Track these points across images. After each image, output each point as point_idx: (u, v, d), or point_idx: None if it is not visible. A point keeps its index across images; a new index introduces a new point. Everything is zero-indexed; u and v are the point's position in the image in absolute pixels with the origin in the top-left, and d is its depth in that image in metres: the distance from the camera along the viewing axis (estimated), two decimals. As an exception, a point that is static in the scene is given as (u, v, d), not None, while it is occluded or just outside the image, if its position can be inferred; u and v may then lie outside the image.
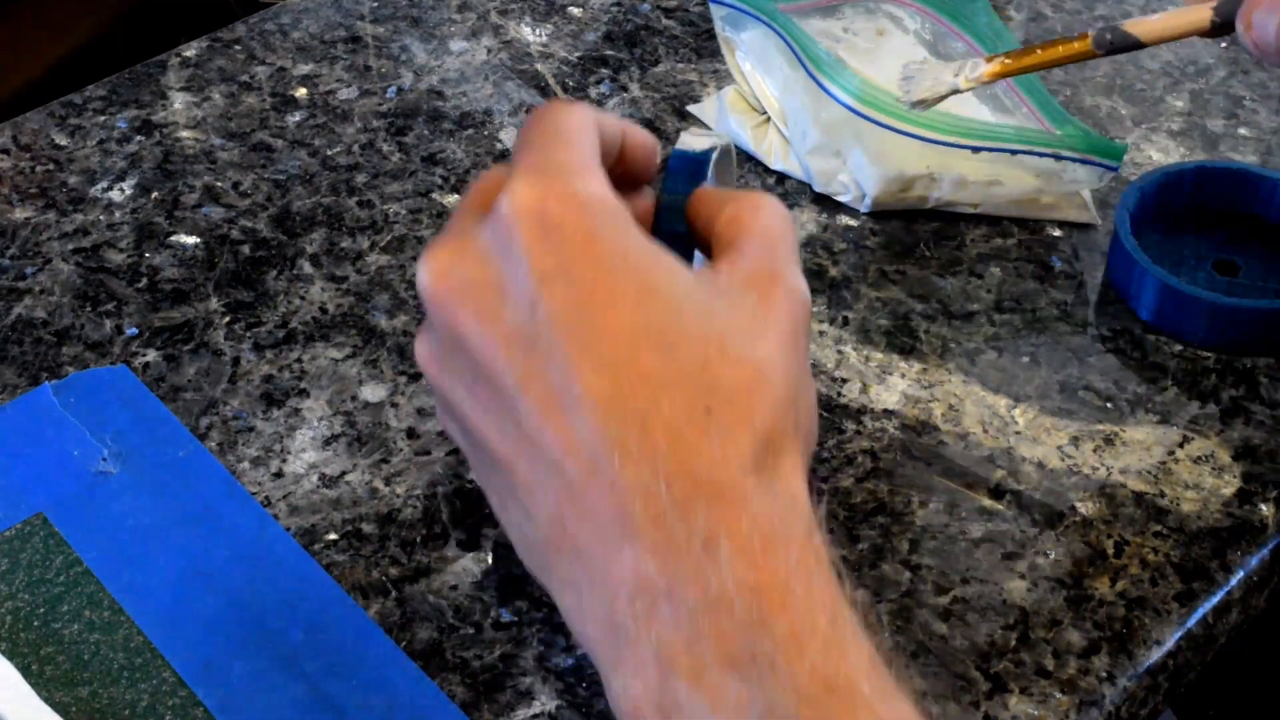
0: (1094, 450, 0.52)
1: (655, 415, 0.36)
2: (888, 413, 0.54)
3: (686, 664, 0.34)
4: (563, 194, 0.38)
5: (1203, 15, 0.50)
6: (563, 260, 0.37)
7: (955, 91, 0.56)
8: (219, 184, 0.65)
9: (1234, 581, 0.49)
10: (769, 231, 0.42)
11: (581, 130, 0.41)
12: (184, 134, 0.68)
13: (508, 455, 0.38)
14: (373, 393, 0.55)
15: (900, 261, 0.61)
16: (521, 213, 0.37)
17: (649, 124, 0.68)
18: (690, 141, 0.46)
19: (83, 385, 0.55)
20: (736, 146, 0.67)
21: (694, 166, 0.46)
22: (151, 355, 0.57)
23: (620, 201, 0.39)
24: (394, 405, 0.54)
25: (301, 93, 0.71)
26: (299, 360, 0.56)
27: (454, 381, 0.39)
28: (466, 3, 0.77)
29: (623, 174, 0.44)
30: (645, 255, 0.38)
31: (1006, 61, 0.55)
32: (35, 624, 0.47)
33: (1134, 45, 0.52)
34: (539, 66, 0.73)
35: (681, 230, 0.44)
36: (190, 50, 0.74)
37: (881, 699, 0.34)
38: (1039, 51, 0.54)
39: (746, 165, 0.66)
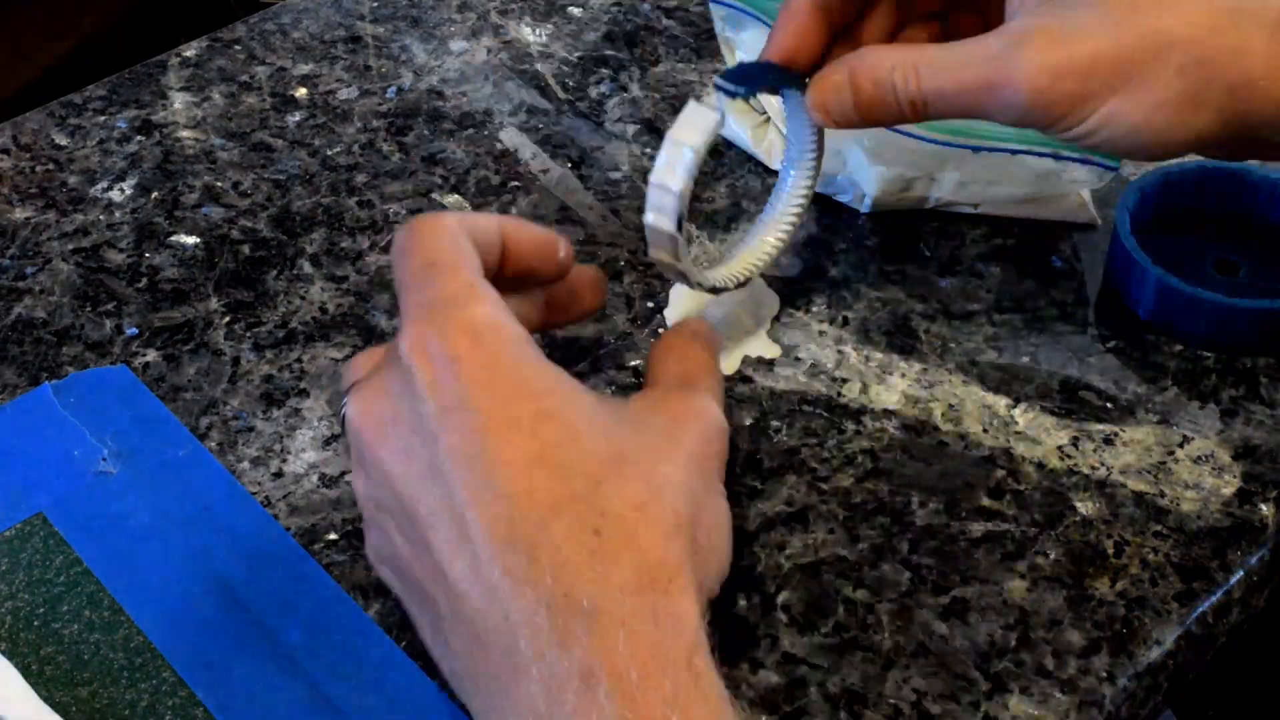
0: (1094, 450, 0.52)
1: (543, 541, 0.36)
2: (888, 413, 0.54)
3: None
4: (454, 327, 0.39)
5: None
6: (459, 394, 0.38)
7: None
8: (219, 184, 0.65)
9: (1234, 581, 0.49)
10: (689, 372, 0.45)
11: (455, 252, 0.42)
12: (184, 134, 0.68)
13: (429, 588, 0.39)
14: (373, 393, 0.55)
15: (900, 261, 0.61)
16: (416, 353, 0.39)
17: (649, 124, 0.68)
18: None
19: (83, 385, 0.55)
20: (736, 146, 0.67)
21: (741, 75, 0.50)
22: (151, 355, 0.57)
23: (512, 320, 0.40)
24: (394, 405, 0.54)
25: (301, 93, 0.71)
26: (299, 360, 0.56)
27: (384, 515, 0.41)
28: (466, 3, 0.77)
29: (515, 274, 0.46)
30: (543, 379, 0.39)
31: None
32: (35, 624, 0.47)
33: None
34: (539, 66, 0.73)
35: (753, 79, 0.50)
36: (190, 50, 0.74)
37: None
38: None
39: (746, 165, 0.66)
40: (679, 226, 0.48)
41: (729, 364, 0.56)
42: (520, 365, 0.39)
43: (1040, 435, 0.53)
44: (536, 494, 0.37)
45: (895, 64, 0.47)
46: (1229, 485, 0.51)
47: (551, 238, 0.47)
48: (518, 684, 0.36)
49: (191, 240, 0.62)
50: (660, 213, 0.48)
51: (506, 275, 0.46)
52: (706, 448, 0.41)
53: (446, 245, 0.42)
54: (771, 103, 0.66)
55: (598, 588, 0.36)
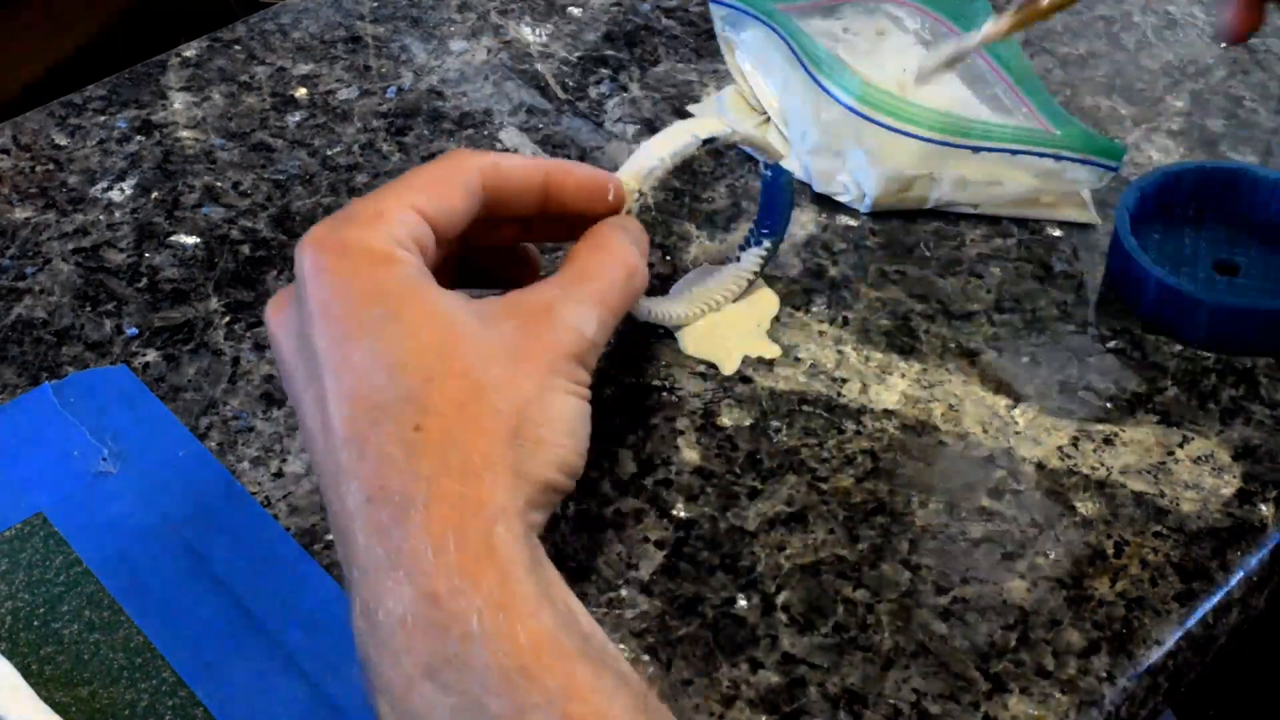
0: (1094, 450, 0.52)
1: (371, 437, 0.39)
2: (888, 413, 0.54)
3: (398, 681, 0.37)
4: (332, 243, 0.42)
5: None
6: (323, 300, 0.41)
7: (962, 53, 0.56)
8: (219, 184, 0.65)
9: (1234, 581, 0.49)
10: (585, 269, 0.47)
11: (417, 183, 0.45)
12: (184, 134, 0.68)
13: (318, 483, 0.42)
14: (373, 393, 0.55)
15: (900, 261, 0.61)
16: (299, 260, 0.42)
17: (649, 124, 0.68)
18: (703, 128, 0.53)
19: (83, 385, 0.55)
20: (737, 148, 0.67)
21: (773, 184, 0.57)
22: (151, 355, 0.57)
23: (392, 243, 0.43)
24: (394, 405, 0.54)
25: (301, 93, 0.71)
26: (299, 360, 0.56)
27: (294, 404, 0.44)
28: (466, 3, 0.77)
29: (562, 212, 0.49)
30: (399, 286, 0.42)
31: (1019, 13, 0.55)
32: (35, 624, 0.47)
33: None
34: (539, 66, 0.73)
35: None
36: (190, 50, 0.74)
37: (553, 673, 0.36)
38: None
39: (746, 165, 0.66)
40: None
41: (729, 364, 0.56)
42: (380, 277, 0.42)
43: (1040, 435, 0.53)
44: (373, 395, 0.40)
45: None
46: (1229, 485, 0.51)
47: (602, 180, 0.50)
48: (350, 569, 0.39)
49: (191, 240, 0.62)
50: (629, 169, 0.51)
51: (552, 213, 0.49)
52: (551, 351, 0.43)
53: (422, 178, 0.45)
54: (772, 104, 0.66)
55: (408, 479, 0.39)
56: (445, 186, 0.45)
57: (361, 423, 0.40)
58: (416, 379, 0.40)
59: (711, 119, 0.54)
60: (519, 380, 0.42)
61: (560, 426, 0.43)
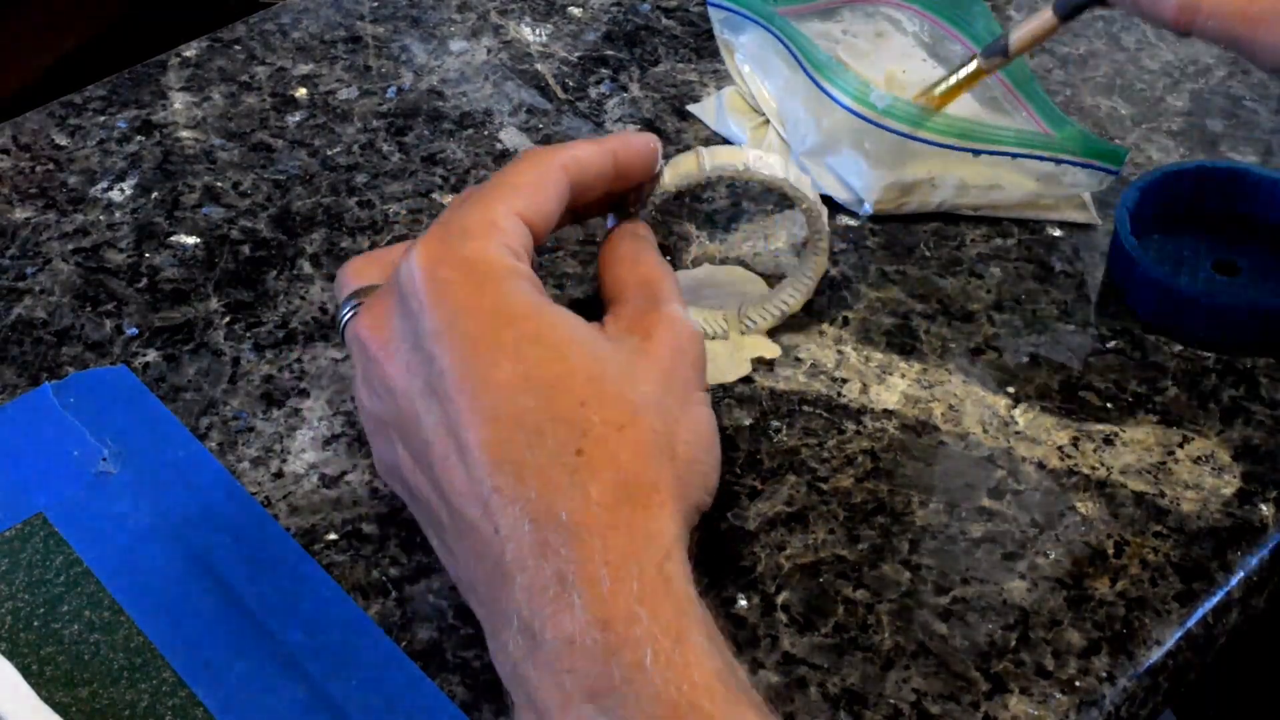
0: (1094, 450, 0.52)
1: (529, 459, 0.39)
2: (888, 413, 0.54)
3: (557, 700, 0.37)
4: (453, 257, 0.42)
5: (1047, 16, 0.55)
6: (451, 317, 0.41)
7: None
8: (219, 184, 0.65)
9: (1234, 581, 0.49)
10: (647, 278, 0.47)
11: (512, 188, 0.44)
12: (184, 134, 0.68)
13: (431, 500, 0.42)
14: (373, 393, 0.55)
15: (900, 261, 0.61)
16: (417, 273, 0.42)
17: (649, 124, 0.68)
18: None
19: (83, 385, 0.55)
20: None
21: None
22: (151, 355, 0.57)
23: (511, 257, 0.43)
24: (394, 405, 0.54)
25: (301, 93, 0.71)
26: (299, 360, 0.56)
27: (389, 429, 0.43)
28: (466, 3, 0.77)
29: (623, 188, 0.49)
30: (525, 306, 0.42)
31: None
32: (35, 624, 0.47)
33: (1003, 51, 0.57)
34: (539, 66, 0.73)
35: None
36: (190, 50, 0.74)
37: (724, 714, 0.36)
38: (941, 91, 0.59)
39: (746, 165, 0.66)
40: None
41: (736, 369, 0.55)
42: (506, 294, 0.41)
43: (1040, 435, 0.53)
44: (524, 417, 0.39)
45: None
46: (1229, 485, 0.51)
47: (652, 148, 0.49)
48: (505, 589, 0.38)
49: (191, 240, 0.62)
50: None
51: (616, 190, 0.49)
52: (680, 360, 0.43)
53: (519, 180, 0.45)
54: (771, 106, 0.66)
55: (577, 504, 0.38)
56: (541, 189, 0.45)
57: (514, 446, 0.39)
58: (571, 402, 0.40)
59: (728, 150, 0.51)
60: (665, 398, 0.42)
61: (703, 443, 0.43)
